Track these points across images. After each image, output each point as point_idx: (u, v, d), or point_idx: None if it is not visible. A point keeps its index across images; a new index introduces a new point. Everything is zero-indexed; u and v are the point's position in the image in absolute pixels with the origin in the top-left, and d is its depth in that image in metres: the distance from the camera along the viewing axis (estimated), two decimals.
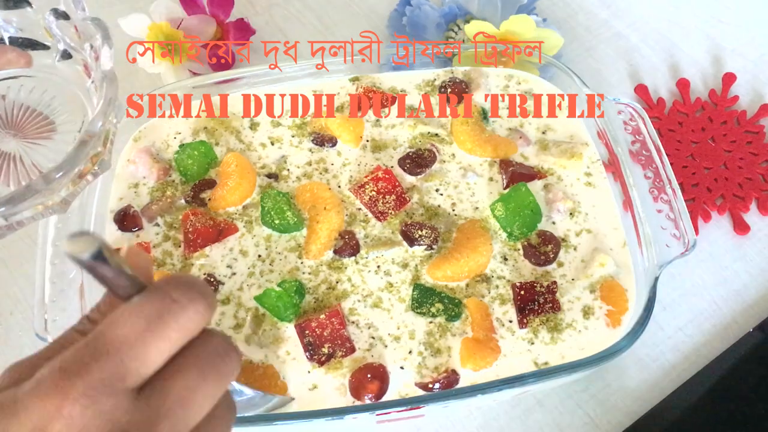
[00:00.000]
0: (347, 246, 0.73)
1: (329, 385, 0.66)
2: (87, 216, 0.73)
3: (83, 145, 0.51)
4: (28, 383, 0.33)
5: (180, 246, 0.73)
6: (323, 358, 0.66)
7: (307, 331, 0.67)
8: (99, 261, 0.32)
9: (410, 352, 0.68)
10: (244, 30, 0.96)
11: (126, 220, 0.74)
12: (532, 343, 0.68)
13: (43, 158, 0.56)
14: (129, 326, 0.33)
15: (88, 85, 0.57)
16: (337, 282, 0.71)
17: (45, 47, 0.59)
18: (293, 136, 0.80)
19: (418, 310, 0.69)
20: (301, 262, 0.72)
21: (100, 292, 0.68)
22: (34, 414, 0.32)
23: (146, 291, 0.35)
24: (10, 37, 0.58)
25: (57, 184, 0.50)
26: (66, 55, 0.58)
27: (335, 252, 0.73)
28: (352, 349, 0.67)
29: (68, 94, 0.59)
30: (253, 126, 0.81)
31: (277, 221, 0.73)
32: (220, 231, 0.73)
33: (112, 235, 0.74)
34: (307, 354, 0.67)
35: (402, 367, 0.67)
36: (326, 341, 0.67)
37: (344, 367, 0.67)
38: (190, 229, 0.73)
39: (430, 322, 0.69)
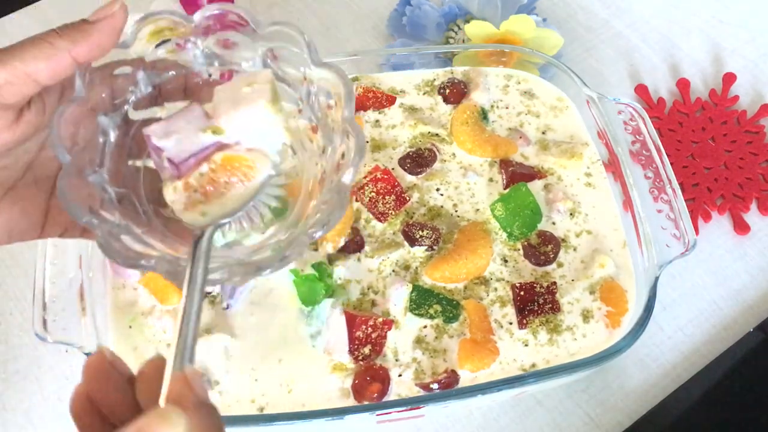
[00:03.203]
0: (352, 242, 0.73)
1: (333, 386, 0.66)
2: None
3: (341, 203, 0.46)
4: None
5: None
6: (361, 357, 0.67)
7: (363, 326, 0.67)
8: None
9: (414, 359, 0.68)
10: None
11: None
12: (529, 345, 0.68)
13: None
14: None
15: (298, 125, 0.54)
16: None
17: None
18: None
19: (416, 312, 0.69)
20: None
21: (100, 293, 0.68)
22: None
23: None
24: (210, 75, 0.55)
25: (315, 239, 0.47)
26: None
27: (339, 250, 0.73)
28: (374, 358, 0.68)
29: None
30: None
31: None
32: None
33: None
34: (351, 346, 0.67)
35: (400, 375, 0.67)
36: (370, 343, 0.67)
37: (348, 370, 0.67)
38: None
39: (424, 327, 0.69)
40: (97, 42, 0.46)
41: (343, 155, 0.48)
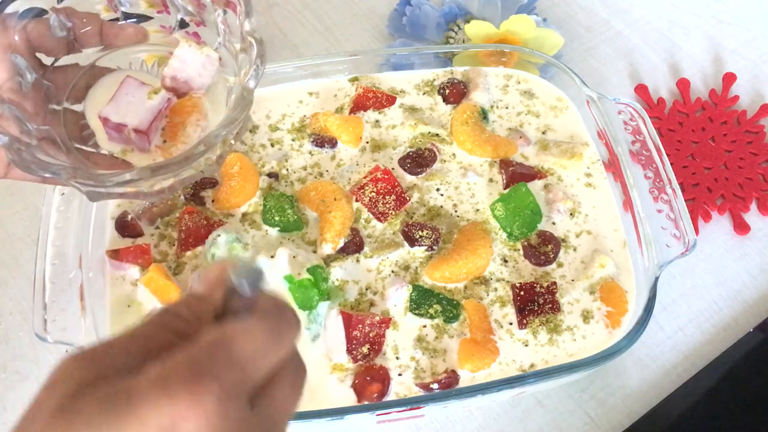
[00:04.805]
0: (351, 243, 0.73)
1: (332, 386, 0.66)
2: (86, 221, 0.72)
3: (245, 104, 0.52)
4: (139, 378, 0.32)
5: (175, 244, 0.73)
6: (359, 357, 0.67)
7: (360, 326, 0.67)
8: (256, 287, 0.36)
9: (412, 357, 0.68)
10: None
11: (126, 227, 0.74)
12: (528, 345, 0.68)
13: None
14: (255, 339, 0.35)
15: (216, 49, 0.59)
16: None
17: (148, 18, 0.61)
18: (293, 140, 0.80)
19: (416, 312, 0.69)
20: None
21: (100, 293, 0.68)
22: (161, 411, 0.30)
23: (264, 309, 0.37)
24: (124, 13, 0.59)
25: (224, 139, 0.52)
26: (183, 25, 0.60)
27: (340, 250, 0.73)
28: (374, 357, 0.68)
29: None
30: (253, 129, 0.81)
31: (277, 218, 0.73)
32: (212, 230, 0.73)
33: (112, 239, 0.74)
34: (348, 346, 0.67)
35: (400, 374, 0.67)
36: (368, 342, 0.67)
37: (348, 370, 0.67)
38: (183, 228, 0.73)
39: (424, 326, 0.69)
40: None
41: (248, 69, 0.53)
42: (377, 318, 0.68)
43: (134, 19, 0.59)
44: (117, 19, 0.59)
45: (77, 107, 0.57)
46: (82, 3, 0.57)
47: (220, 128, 0.51)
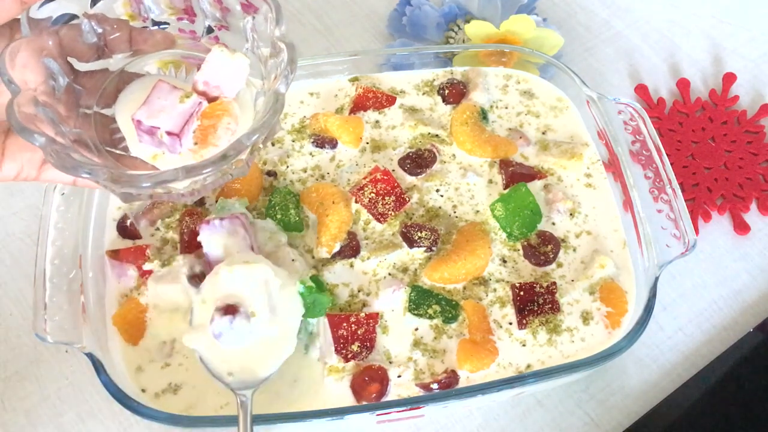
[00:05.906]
0: (347, 247, 0.73)
1: (330, 387, 0.66)
2: (86, 221, 0.72)
3: (277, 108, 0.53)
4: None
5: (177, 248, 0.73)
6: (350, 355, 0.67)
7: (344, 324, 0.67)
8: None
9: (409, 358, 0.68)
10: None
11: (126, 231, 0.74)
12: (528, 346, 0.68)
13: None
14: None
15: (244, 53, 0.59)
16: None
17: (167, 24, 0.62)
18: (293, 141, 0.80)
19: (415, 312, 0.69)
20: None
21: (100, 293, 0.68)
22: None
23: None
24: (152, 20, 0.60)
25: (255, 144, 0.53)
26: (210, 30, 0.61)
27: (336, 254, 0.73)
28: (368, 355, 0.68)
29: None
30: None
31: (279, 215, 0.73)
32: None
33: (112, 240, 0.74)
34: (336, 346, 0.67)
35: (399, 375, 0.67)
36: (357, 340, 0.67)
37: (345, 370, 0.67)
38: (185, 230, 0.73)
39: (417, 329, 0.69)
40: None
41: (276, 76, 0.55)
42: (362, 315, 0.68)
43: (165, 25, 0.60)
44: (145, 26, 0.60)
45: (107, 111, 0.58)
46: (111, 11, 0.58)
47: (251, 132, 0.52)
